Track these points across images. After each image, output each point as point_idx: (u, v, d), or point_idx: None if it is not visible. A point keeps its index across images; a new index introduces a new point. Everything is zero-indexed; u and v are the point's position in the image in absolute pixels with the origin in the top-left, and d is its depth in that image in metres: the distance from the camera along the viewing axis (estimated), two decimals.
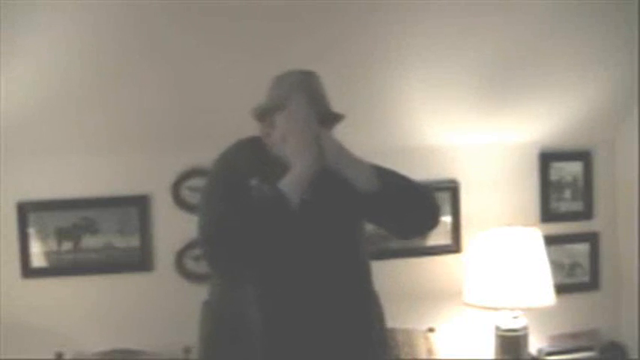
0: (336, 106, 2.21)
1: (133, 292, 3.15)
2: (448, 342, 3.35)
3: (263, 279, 2.09)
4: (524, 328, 3.19)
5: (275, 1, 2.75)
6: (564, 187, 3.60)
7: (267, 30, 2.84)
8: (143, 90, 2.95)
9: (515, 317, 3.18)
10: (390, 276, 3.08)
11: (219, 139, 3.11)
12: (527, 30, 3.09)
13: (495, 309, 3.18)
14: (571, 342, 3.51)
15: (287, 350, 2.09)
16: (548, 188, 3.57)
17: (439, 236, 3.34)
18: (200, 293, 3.10)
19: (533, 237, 3.22)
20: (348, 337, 2.13)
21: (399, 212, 2.13)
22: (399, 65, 3.08)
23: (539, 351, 3.45)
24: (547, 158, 3.56)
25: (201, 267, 3.15)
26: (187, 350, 3.04)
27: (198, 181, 3.16)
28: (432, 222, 2.22)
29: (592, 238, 3.64)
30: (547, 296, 3.19)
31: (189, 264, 3.17)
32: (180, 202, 3.17)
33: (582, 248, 3.62)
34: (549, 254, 3.27)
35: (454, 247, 3.43)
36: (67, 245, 3.09)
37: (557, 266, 3.45)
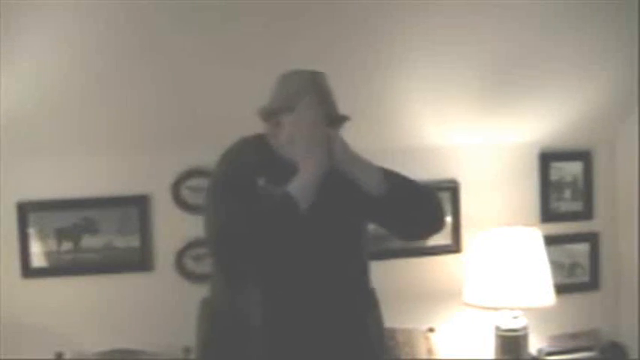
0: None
1: (133, 292, 3.15)
2: (448, 342, 3.36)
3: (266, 278, 2.09)
4: (524, 328, 3.19)
5: (275, 1, 2.75)
6: (564, 187, 3.60)
7: (268, 30, 2.84)
8: (143, 90, 2.95)
9: (515, 317, 3.18)
10: (390, 276, 3.08)
11: (219, 139, 3.11)
12: (527, 30, 3.09)
13: (495, 309, 3.18)
14: (571, 342, 3.51)
15: (287, 350, 2.09)
16: (548, 188, 3.57)
17: (439, 236, 3.27)
18: (200, 293, 3.10)
19: (533, 237, 3.22)
20: (347, 337, 2.13)
21: (404, 215, 2.14)
22: (399, 65, 3.09)
23: (539, 351, 3.45)
24: (547, 158, 3.56)
25: (201, 267, 3.15)
26: (187, 350, 3.04)
27: (198, 181, 3.16)
28: (437, 226, 2.23)
29: (592, 238, 3.64)
30: (547, 296, 3.19)
31: (189, 264, 3.17)
32: (180, 202, 3.17)
33: (582, 248, 3.62)
34: (549, 254, 3.27)
35: (454, 247, 3.43)
36: (67, 245, 3.09)
37: (557, 266, 3.45)
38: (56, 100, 2.90)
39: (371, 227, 2.28)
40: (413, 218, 2.16)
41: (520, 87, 3.28)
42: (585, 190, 3.62)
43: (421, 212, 2.16)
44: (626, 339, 3.57)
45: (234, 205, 2.01)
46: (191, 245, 3.16)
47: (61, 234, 3.09)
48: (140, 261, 3.15)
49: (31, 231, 3.07)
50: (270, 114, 2.16)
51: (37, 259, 3.07)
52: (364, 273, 2.24)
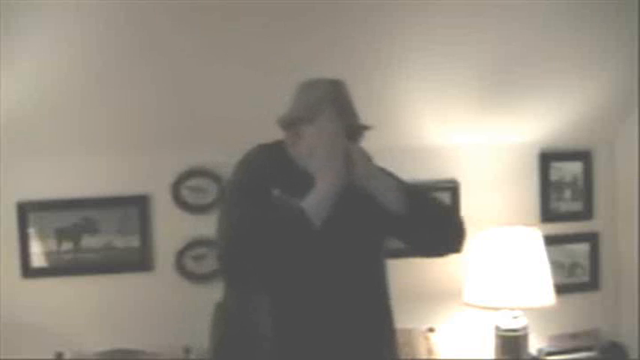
0: None
1: (133, 292, 3.14)
2: (448, 342, 3.36)
3: (279, 289, 2.04)
4: (524, 328, 3.19)
5: (275, 2, 2.75)
6: (564, 187, 3.60)
7: (267, 30, 2.84)
8: (143, 90, 2.95)
9: (515, 317, 3.18)
10: (391, 276, 3.08)
11: (219, 139, 3.13)
12: (527, 30, 3.09)
13: (495, 309, 3.18)
14: (571, 342, 3.51)
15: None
16: (548, 188, 3.57)
17: None
18: (200, 293, 3.11)
19: (533, 237, 3.22)
20: (362, 351, 2.10)
21: (424, 234, 2.11)
22: (399, 65, 3.09)
23: (539, 351, 3.45)
24: (547, 158, 3.56)
25: (201, 267, 3.16)
26: (187, 350, 3.04)
27: (198, 181, 3.16)
28: (458, 246, 2.20)
29: (592, 238, 3.64)
30: (547, 296, 3.19)
31: (189, 264, 3.17)
32: (181, 202, 3.17)
33: (582, 248, 3.62)
34: (549, 254, 3.27)
35: None
36: (67, 245, 3.09)
37: (557, 266, 3.44)
38: (56, 100, 2.90)
39: None
40: (433, 237, 2.13)
41: (520, 87, 3.28)
42: (585, 190, 3.62)
43: (442, 232, 2.13)
44: (626, 339, 3.57)
45: (246, 213, 1.97)
46: (191, 245, 3.16)
47: (61, 234, 3.09)
48: (140, 261, 3.15)
49: (31, 231, 3.07)
50: (289, 124, 2.12)
51: (37, 259, 3.07)
52: (381, 287, 2.21)
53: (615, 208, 3.66)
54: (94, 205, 3.10)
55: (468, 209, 3.42)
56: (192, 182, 3.17)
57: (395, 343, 2.26)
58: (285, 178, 2.06)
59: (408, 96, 3.20)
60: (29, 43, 2.70)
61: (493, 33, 3.06)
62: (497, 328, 3.20)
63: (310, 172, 2.03)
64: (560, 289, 3.29)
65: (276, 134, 2.19)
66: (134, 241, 3.15)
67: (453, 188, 3.43)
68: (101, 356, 2.99)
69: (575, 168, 3.60)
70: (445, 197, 3.38)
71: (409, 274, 3.36)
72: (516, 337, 3.17)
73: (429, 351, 3.23)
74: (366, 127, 2.14)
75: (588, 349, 3.51)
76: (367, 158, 2.06)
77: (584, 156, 3.61)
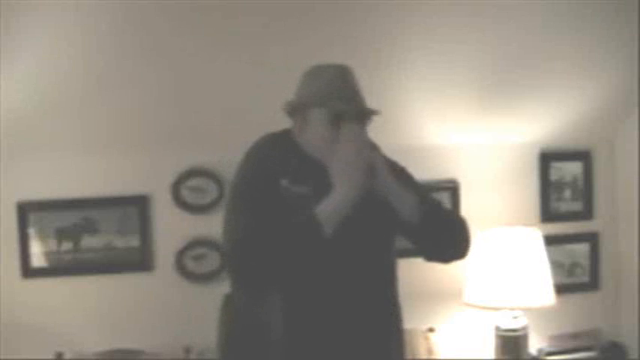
0: None
1: (133, 292, 3.14)
2: (448, 342, 3.35)
3: (290, 289, 2.02)
4: (524, 328, 3.19)
5: (275, 2, 2.75)
6: (564, 187, 3.60)
7: (267, 30, 2.84)
8: (143, 90, 2.95)
9: (515, 317, 3.18)
10: None
11: (219, 139, 3.13)
12: (527, 30, 3.09)
13: (495, 309, 3.18)
14: (571, 342, 3.51)
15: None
16: (548, 188, 3.57)
17: None
18: (200, 293, 3.12)
19: (533, 237, 3.22)
20: (372, 351, 2.09)
21: (434, 241, 2.15)
22: (399, 65, 3.08)
23: (539, 351, 3.45)
24: (547, 158, 3.56)
25: (201, 267, 3.16)
26: (187, 350, 3.04)
27: (198, 181, 3.17)
28: (464, 252, 2.23)
29: (592, 238, 3.63)
30: (547, 296, 3.19)
31: (189, 264, 3.17)
32: (180, 202, 3.17)
33: (582, 248, 3.62)
34: (549, 254, 3.27)
35: None
36: (67, 245, 3.09)
37: (557, 266, 3.44)
38: (56, 100, 2.90)
39: None
40: (442, 244, 2.16)
41: (520, 87, 3.28)
42: (585, 190, 3.62)
43: (450, 239, 2.17)
44: (626, 339, 3.57)
45: (254, 218, 1.95)
46: (191, 245, 3.16)
47: (61, 234, 3.09)
48: (140, 261, 3.15)
49: (31, 231, 3.07)
50: (296, 109, 2.12)
51: (37, 259, 3.07)
52: (391, 286, 2.22)
53: (615, 208, 3.66)
54: (94, 205, 3.10)
55: (468, 209, 3.42)
56: (192, 182, 3.17)
57: (403, 344, 2.26)
58: (292, 165, 2.06)
59: (408, 96, 3.20)
60: (29, 43, 2.70)
61: (493, 33, 3.06)
62: (497, 328, 3.20)
63: (319, 158, 2.04)
64: (560, 289, 3.29)
65: None
66: (134, 241, 3.15)
67: (453, 188, 3.43)
68: (101, 356, 2.99)
69: (575, 168, 3.60)
70: (445, 197, 3.38)
71: (409, 274, 3.33)
72: (516, 337, 3.17)
73: (429, 351, 3.23)
74: (374, 112, 2.13)
75: (588, 349, 3.50)
76: (388, 171, 2.05)
77: (584, 156, 3.61)
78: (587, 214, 3.63)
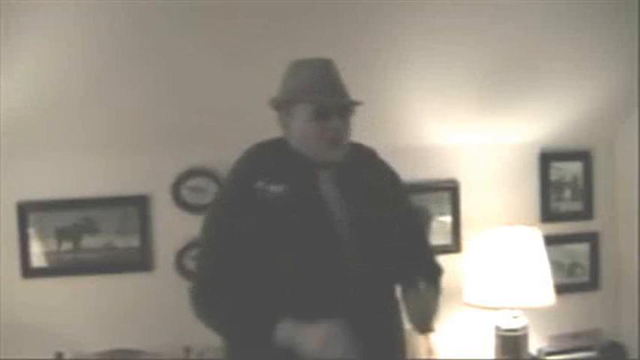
0: None
1: (133, 292, 3.15)
2: (448, 342, 3.35)
3: (290, 288, 2.02)
4: (524, 328, 3.19)
5: (275, 2, 2.75)
6: (564, 187, 3.60)
7: (267, 30, 2.84)
8: (143, 90, 2.95)
9: (515, 317, 3.18)
10: None
11: (219, 139, 3.12)
12: (527, 30, 3.09)
13: (495, 309, 3.18)
14: (571, 342, 3.51)
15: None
16: (548, 188, 3.57)
17: (439, 236, 3.33)
18: None
19: (533, 237, 3.22)
20: (373, 350, 2.08)
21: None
22: (399, 65, 3.08)
23: (539, 351, 3.45)
24: (547, 158, 3.56)
25: None
26: (187, 350, 3.04)
27: (198, 181, 3.17)
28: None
29: (592, 238, 3.63)
30: (547, 296, 3.19)
31: (190, 264, 3.17)
32: (180, 202, 3.17)
33: (582, 248, 3.62)
34: (549, 254, 3.27)
35: (454, 247, 3.42)
36: (67, 245, 3.09)
37: (557, 266, 3.44)
38: (56, 100, 2.90)
39: None
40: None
41: (520, 87, 3.28)
42: (585, 190, 3.62)
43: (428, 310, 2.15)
44: (626, 339, 3.57)
45: (225, 261, 2.01)
46: (191, 245, 3.15)
47: (61, 234, 3.09)
48: (140, 261, 3.15)
49: (31, 231, 3.07)
50: (280, 104, 2.13)
51: (37, 259, 3.08)
52: (392, 286, 2.20)
53: (615, 208, 3.66)
54: (94, 205, 3.10)
55: (468, 209, 3.43)
56: (192, 182, 3.17)
57: (405, 343, 2.26)
58: (272, 165, 2.06)
59: (407, 96, 3.20)
60: (29, 43, 2.70)
61: (493, 33, 3.06)
62: (497, 328, 3.20)
63: (308, 155, 2.06)
64: (560, 289, 3.29)
65: (277, 134, 2.19)
66: (134, 241, 3.15)
67: (453, 188, 3.43)
68: (101, 356, 2.99)
69: (575, 168, 3.60)
70: (445, 197, 3.39)
71: None
72: (516, 337, 3.17)
73: (429, 351, 3.23)
74: (356, 103, 2.14)
75: (588, 349, 3.51)
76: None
77: (584, 156, 3.61)
78: (587, 214, 3.63)
